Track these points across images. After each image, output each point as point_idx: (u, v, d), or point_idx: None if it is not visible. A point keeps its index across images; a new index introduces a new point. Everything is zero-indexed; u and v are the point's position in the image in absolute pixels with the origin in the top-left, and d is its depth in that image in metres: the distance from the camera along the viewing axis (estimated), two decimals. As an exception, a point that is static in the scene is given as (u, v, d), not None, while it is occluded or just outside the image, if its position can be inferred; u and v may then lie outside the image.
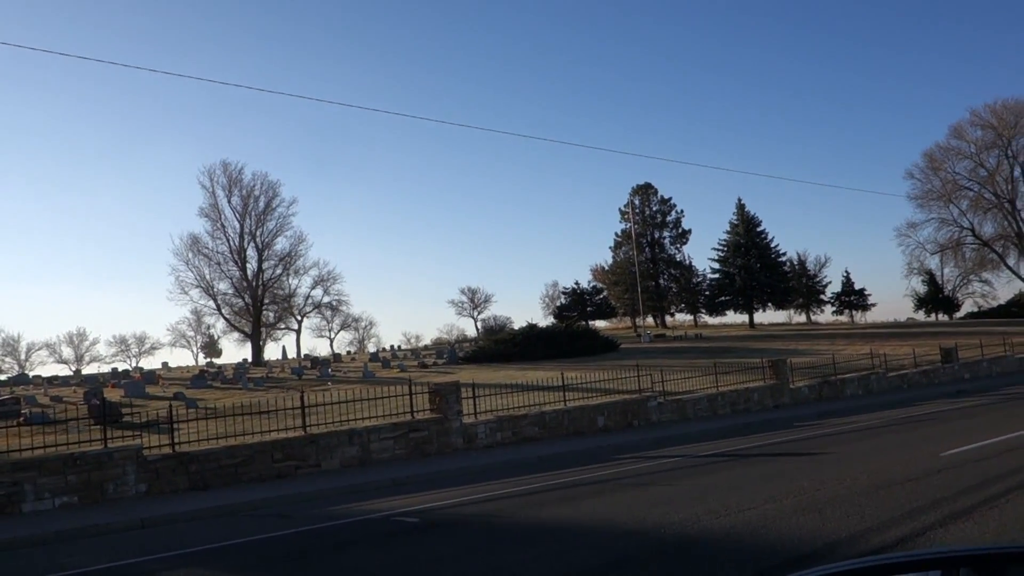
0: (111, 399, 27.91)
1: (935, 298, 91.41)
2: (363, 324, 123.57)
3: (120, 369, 68.02)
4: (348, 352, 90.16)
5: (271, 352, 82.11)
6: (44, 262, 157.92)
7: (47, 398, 36.74)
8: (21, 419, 24.94)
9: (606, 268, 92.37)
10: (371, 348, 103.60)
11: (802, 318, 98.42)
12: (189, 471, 15.67)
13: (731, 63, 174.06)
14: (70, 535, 12.00)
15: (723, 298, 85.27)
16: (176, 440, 16.59)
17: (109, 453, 15.05)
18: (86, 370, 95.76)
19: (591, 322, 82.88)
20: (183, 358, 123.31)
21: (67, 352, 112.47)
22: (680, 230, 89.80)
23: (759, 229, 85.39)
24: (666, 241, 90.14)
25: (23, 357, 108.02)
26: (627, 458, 16.89)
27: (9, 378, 59.39)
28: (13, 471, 14.07)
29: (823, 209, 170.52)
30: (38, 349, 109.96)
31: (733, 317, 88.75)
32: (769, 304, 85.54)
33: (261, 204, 71.18)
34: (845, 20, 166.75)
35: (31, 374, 71.54)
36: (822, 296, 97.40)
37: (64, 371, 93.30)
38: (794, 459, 14.78)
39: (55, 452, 15.25)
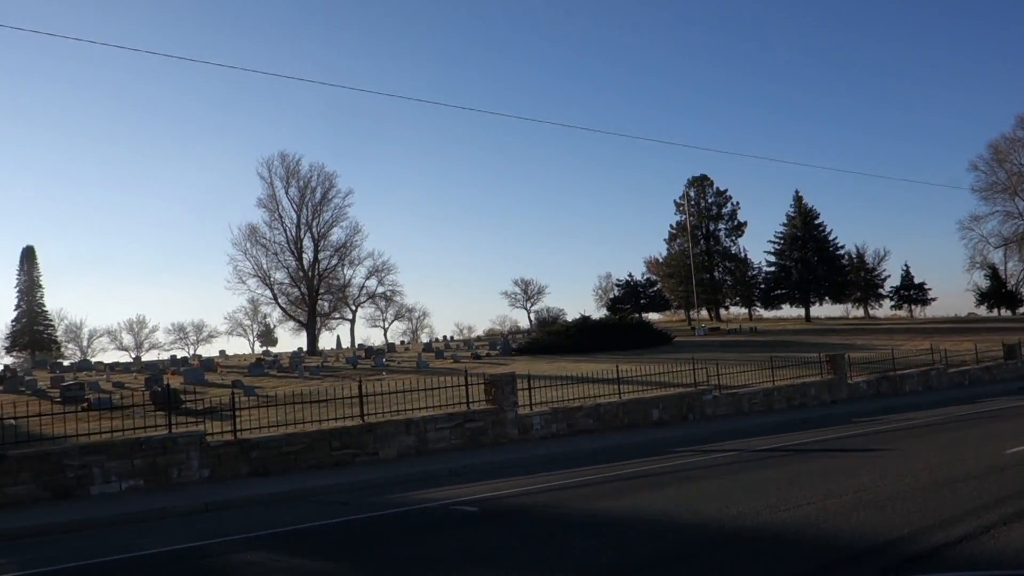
0: (171, 386, 28.54)
1: (998, 293, 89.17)
2: (416, 315, 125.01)
3: (178, 356, 69.44)
4: (402, 342, 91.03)
5: (326, 341, 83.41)
6: (106, 251, 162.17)
7: (109, 384, 37.68)
8: (86, 404, 25.67)
9: (660, 260, 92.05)
10: (424, 338, 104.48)
11: (860, 312, 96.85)
12: (250, 457, 15.99)
13: (790, 54, 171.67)
14: (139, 517, 12.35)
15: (779, 291, 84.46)
16: (238, 427, 16.94)
17: (173, 439, 15.42)
18: (145, 357, 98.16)
19: (644, 315, 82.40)
20: (239, 346, 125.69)
21: (127, 339, 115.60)
22: (736, 222, 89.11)
23: (817, 221, 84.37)
24: (721, 233, 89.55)
25: (85, 343, 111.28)
26: (683, 451, 16.86)
27: (72, 364, 60.99)
28: (82, 454, 14.51)
29: (883, 202, 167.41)
30: (99, 336, 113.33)
31: (788, 311, 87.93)
32: (826, 298, 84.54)
33: (318, 195, 72.17)
34: (908, 9, 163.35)
35: (93, 360, 73.46)
36: (880, 290, 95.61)
37: (124, 358, 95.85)
38: (853, 455, 14.64)
39: (121, 437, 15.65)
